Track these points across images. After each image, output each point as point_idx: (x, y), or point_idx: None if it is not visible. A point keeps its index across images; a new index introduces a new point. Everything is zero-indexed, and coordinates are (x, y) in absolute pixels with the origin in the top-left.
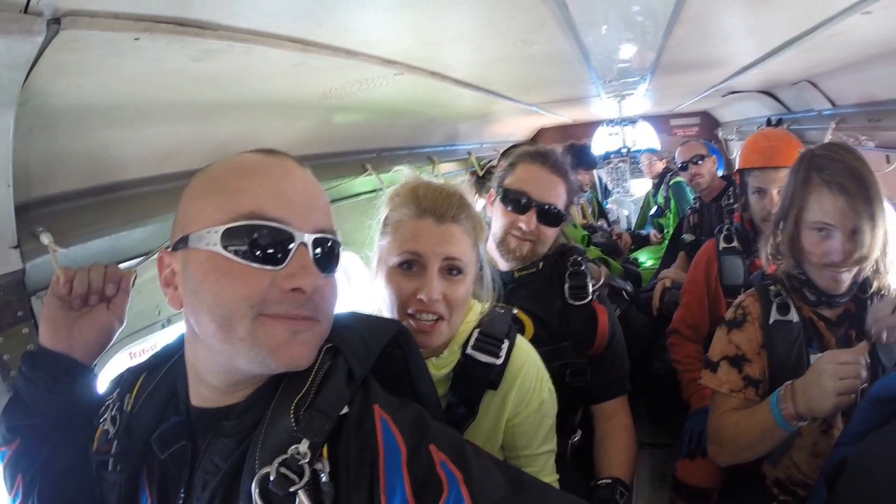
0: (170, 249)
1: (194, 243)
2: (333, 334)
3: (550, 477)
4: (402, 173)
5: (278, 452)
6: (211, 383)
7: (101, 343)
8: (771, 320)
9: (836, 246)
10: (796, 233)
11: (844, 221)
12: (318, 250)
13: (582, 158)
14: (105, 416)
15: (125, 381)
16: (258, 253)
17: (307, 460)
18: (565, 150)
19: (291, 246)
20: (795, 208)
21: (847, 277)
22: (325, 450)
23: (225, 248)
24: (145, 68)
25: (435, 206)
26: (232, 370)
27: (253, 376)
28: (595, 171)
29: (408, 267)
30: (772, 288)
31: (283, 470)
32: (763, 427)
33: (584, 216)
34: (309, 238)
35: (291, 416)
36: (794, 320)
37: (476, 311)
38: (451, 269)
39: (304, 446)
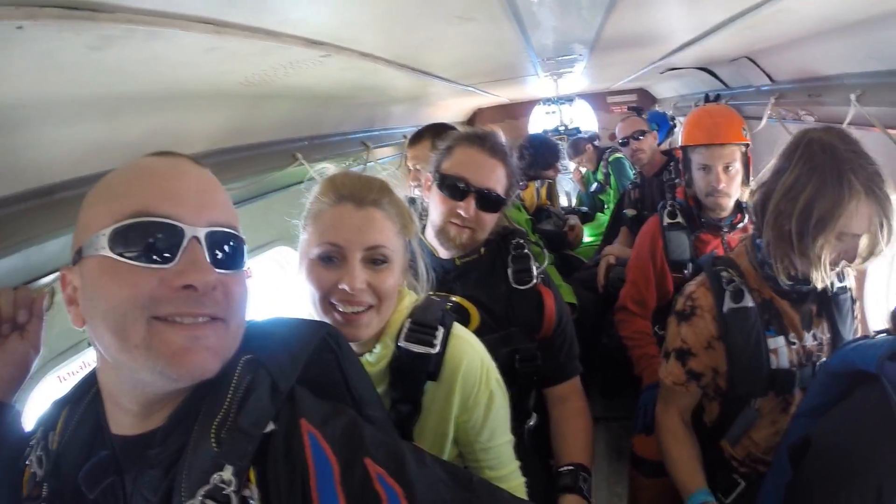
0: (71, 265)
1: (86, 252)
2: (252, 344)
3: (512, 465)
4: (328, 171)
5: (201, 482)
6: (126, 407)
7: (18, 377)
8: (725, 309)
9: (856, 249)
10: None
11: (872, 229)
12: (215, 245)
13: (540, 158)
14: (30, 457)
15: (48, 417)
16: (146, 251)
17: (233, 488)
18: (523, 146)
19: (182, 241)
20: (835, 218)
21: None
22: (252, 473)
23: (112, 250)
24: (37, 62)
25: (353, 190)
26: (140, 388)
27: (166, 394)
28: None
29: (328, 260)
30: (724, 274)
31: (208, 502)
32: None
33: (541, 198)
34: (202, 232)
35: (213, 438)
36: (750, 305)
37: (408, 300)
38: (376, 260)
39: (227, 473)
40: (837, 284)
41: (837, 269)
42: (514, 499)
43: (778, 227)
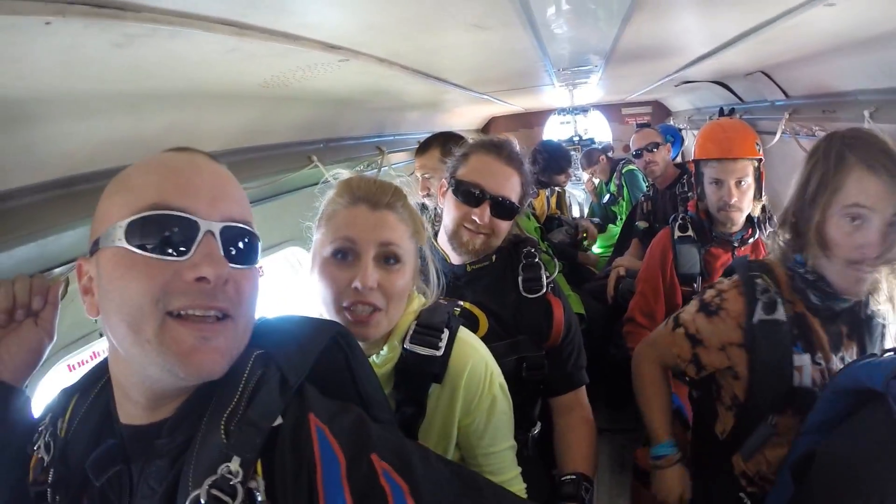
0: (88, 256)
1: (103, 243)
2: (264, 340)
3: (513, 472)
4: (342, 175)
5: (209, 472)
6: (135, 398)
7: (31, 362)
8: (755, 319)
9: (873, 237)
10: (822, 221)
11: (885, 206)
12: (229, 240)
13: (553, 163)
14: (38, 443)
15: (57, 405)
16: (161, 244)
17: (239, 479)
18: (537, 150)
19: (197, 235)
20: (829, 189)
21: (869, 278)
22: (259, 466)
23: (129, 241)
24: (62, 56)
25: (368, 193)
26: (149, 381)
27: (174, 388)
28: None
29: (342, 257)
30: (759, 282)
31: (214, 492)
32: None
33: (551, 207)
34: (216, 226)
35: (222, 430)
36: (782, 319)
37: (416, 304)
38: (388, 258)
39: (235, 464)
40: (871, 307)
41: (864, 272)
42: (519, 499)
43: (784, 214)
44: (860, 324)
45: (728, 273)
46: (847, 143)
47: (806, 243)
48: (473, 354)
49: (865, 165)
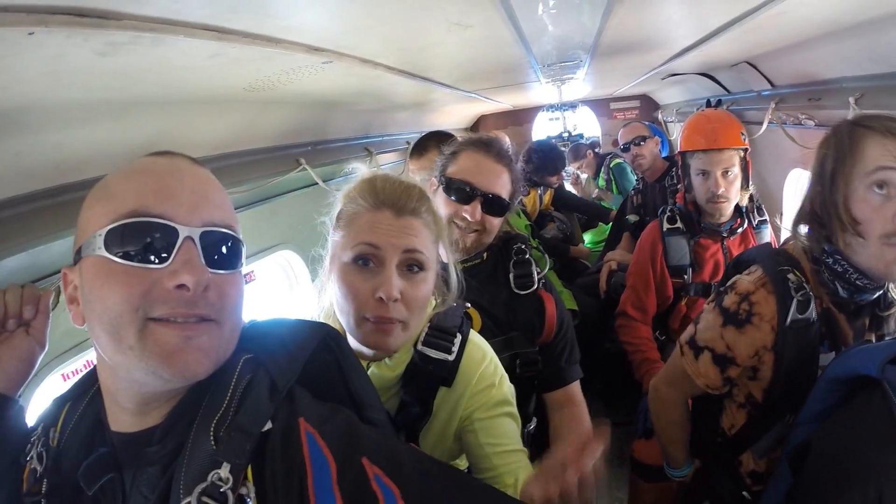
0: (72, 265)
1: (85, 252)
2: (253, 344)
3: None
4: (360, 171)
5: (199, 480)
6: (124, 405)
7: (24, 372)
8: (788, 320)
9: None
10: (847, 198)
11: None
12: (210, 245)
13: (548, 163)
14: (31, 453)
15: (49, 414)
16: (141, 252)
17: (229, 486)
18: (531, 150)
19: (176, 242)
20: (847, 162)
21: None
22: (249, 471)
23: (108, 250)
24: (47, 66)
25: (393, 197)
26: (136, 386)
27: (163, 393)
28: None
29: (364, 263)
30: (791, 277)
31: (205, 499)
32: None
33: (543, 204)
34: (196, 232)
35: (211, 437)
36: (813, 318)
37: (429, 307)
38: (412, 265)
39: (224, 471)
40: (891, 297)
41: None
42: (515, 501)
43: (801, 209)
44: (878, 318)
45: (739, 265)
46: (856, 122)
47: (833, 232)
48: (484, 358)
49: (882, 129)
